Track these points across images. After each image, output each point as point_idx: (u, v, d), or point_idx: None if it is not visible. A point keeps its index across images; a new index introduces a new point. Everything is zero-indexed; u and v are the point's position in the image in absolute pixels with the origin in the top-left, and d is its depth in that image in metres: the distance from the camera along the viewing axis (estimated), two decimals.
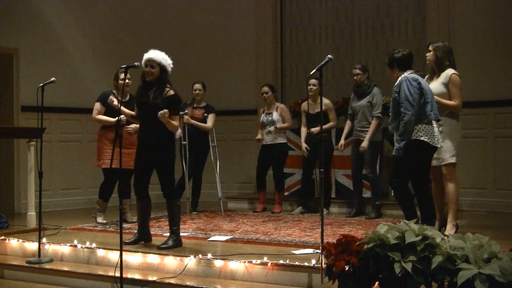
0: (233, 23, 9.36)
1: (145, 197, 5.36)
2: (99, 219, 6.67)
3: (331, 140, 7.49)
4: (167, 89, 5.19)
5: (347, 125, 7.21)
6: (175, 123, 5.20)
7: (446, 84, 5.35)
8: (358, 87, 7.06)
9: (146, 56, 5.17)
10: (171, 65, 5.25)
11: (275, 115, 7.57)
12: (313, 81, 7.22)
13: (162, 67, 5.16)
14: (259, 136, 7.68)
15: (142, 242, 5.35)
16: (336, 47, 9.02)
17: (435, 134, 4.97)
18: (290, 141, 7.92)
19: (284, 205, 7.86)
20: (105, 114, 6.54)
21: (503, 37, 7.67)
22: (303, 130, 7.52)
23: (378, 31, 8.81)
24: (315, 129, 7.24)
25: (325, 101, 7.14)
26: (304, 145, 7.44)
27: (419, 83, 4.93)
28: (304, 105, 7.54)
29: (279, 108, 7.64)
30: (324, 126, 7.08)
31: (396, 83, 5.04)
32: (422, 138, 4.90)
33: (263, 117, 7.66)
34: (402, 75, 5.03)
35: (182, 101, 5.53)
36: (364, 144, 6.85)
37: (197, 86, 7.59)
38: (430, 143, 4.93)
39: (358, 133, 7.05)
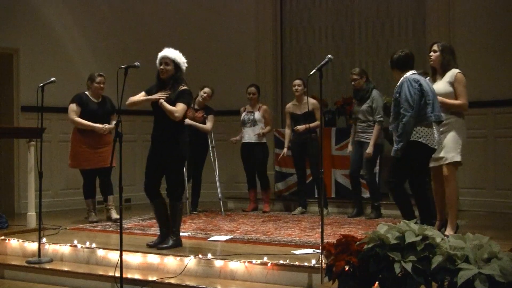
0: (233, 23, 9.36)
1: (156, 196, 5.26)
2: (91, 218, 6.76)
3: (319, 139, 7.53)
4: (182, 86, 5.18)
5: (352, 129, 7.24)
6: (171, 108, 5.05)
7: (451, 83, 5.32)
8: (357, 93, 7.06)
9: (161, 54, 5.18)
10: (186, 64, 5.25)
11: (257, 115, 7.64)
12: (297, 81, 7.28)
13: (176, 65, 5.16)
14: (235, 138, 7.76)
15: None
16: (336, 47, 9.02)
17: (434, 136, 4.95)
18: (281, 134, 7.96)
19: (284, 205, 7.88)
20: (80, 115, 6.73)
21: (503, 37, 7.67)
22: (287, 132, 7.54)
23: (378, 31, 8.81)
24: (301, 127, 7.29)
25: (312, 100, 7.23)
26: (285, 150, 7.47)
27: (420, 84, 4.92)
28: (289, 106, 7.56)
29: (262, 109, 7.70)
30: (311, 125, 7.16)
31: (398, 84, 5.04)
32: (420, 140, 4.89)
33: (244, 116, 7.72)
34: (404, 76, 5.02)
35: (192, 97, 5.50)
36: (369, 150, 6.83)
37: (207, 90, 7.58)
38: (428, 144, 4.92)
39: (360, 135, 7.04)
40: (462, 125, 5.37)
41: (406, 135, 4.86)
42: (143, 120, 8.57)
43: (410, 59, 5.12)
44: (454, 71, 5.36)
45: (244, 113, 7.78)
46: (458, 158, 5.30)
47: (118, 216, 6.73)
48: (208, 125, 7.55)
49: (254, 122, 7.65)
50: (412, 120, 4.85)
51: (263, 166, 7.71)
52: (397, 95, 4.98)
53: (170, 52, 5.18)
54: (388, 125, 5.29)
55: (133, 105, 5.26)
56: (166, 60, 5.15)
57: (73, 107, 6.75)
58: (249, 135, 7.65)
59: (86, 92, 6.85)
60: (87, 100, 6.79)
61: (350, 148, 7.19)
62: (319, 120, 7.30)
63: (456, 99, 5.30)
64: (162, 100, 5.07)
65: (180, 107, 5.10)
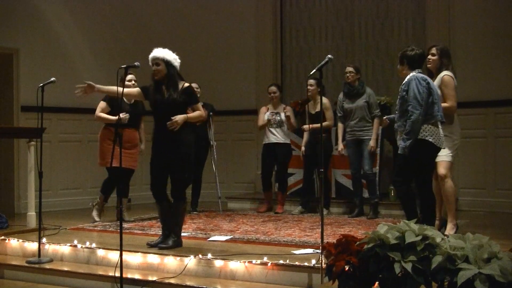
0: (233, 23, 9.37)
1: (163, 198, 5.23)
2: (94, 217, 6.71)
3: (330, 140, 7.49)
4: (182, 82, 5.19)
5: (340, 128, 7.24)
6: (197, 113, 5.22)
7: (439, 87, 5.34)
8: (351, 88, 7.09)
9: (150, 56, 5.19)
10: (178, 60, 5.23)
11: (283, 116, 7.58)
12: (311, 81, 7.25)
13: (167, 63, 5.14)
14: (262, 123, 7.61)
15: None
16: (336, 47, 9.02)
17: (440, 135, 4.96)
18: (291, 141, 7.92)
19: (284, 205, 7.88)
20: (110, 114, 6.55)
21: (503, 37, 7.68)
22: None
23: (378, 31, 8.81)
24: (305, 127, 7.31)
25: (324, 100, 7.18)
26: (302, 148, 7.47)
27: (428, 83, 4.92)
28: (308, 105, 7.57)
29: (287, 109, 7.67)
30: (312, 126, 7.13)
31: (404, 81, 5.01)
32: (427, 138, 4.88)
33: (269, 116, 7.61)
34: (411, 74, 4.99)
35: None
36: (373, 143, 6.97)
37: (196, 84, 7.51)
38: (435, 143, 4.91)
39: (357, 133, 7.06)
40: (449, 130, 5.36)
41: (414, 132, 4.85)
42: (143, 120, 8.56)
43: (422, 59, 5.10)
44: (441, 74, 5.40)
45: (268, 113, 7.65)
46: (448, 158, 5.32)
47: (132, 219, 6.79)
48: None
49: (280, 123, 7.57)
50: (421, 118, 4.84)
51: (285, 166, 7.67)
52: (404, 93, 4.94)
53: (158, 52, 5.17)
54: (386, 126, 5.29)
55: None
56: (156, 61, 5.15)
57: (101, 104, 6.55)
58: (275, 135, 7.58)
59: None
60: (120, 100, 6.65)
61: (341, 147, 7.20)
62: (328, 120, 7.29)
63: (444, 101, 5.29)
64: (182, 116, 5.08)
65: (199, 107, 5.28)
